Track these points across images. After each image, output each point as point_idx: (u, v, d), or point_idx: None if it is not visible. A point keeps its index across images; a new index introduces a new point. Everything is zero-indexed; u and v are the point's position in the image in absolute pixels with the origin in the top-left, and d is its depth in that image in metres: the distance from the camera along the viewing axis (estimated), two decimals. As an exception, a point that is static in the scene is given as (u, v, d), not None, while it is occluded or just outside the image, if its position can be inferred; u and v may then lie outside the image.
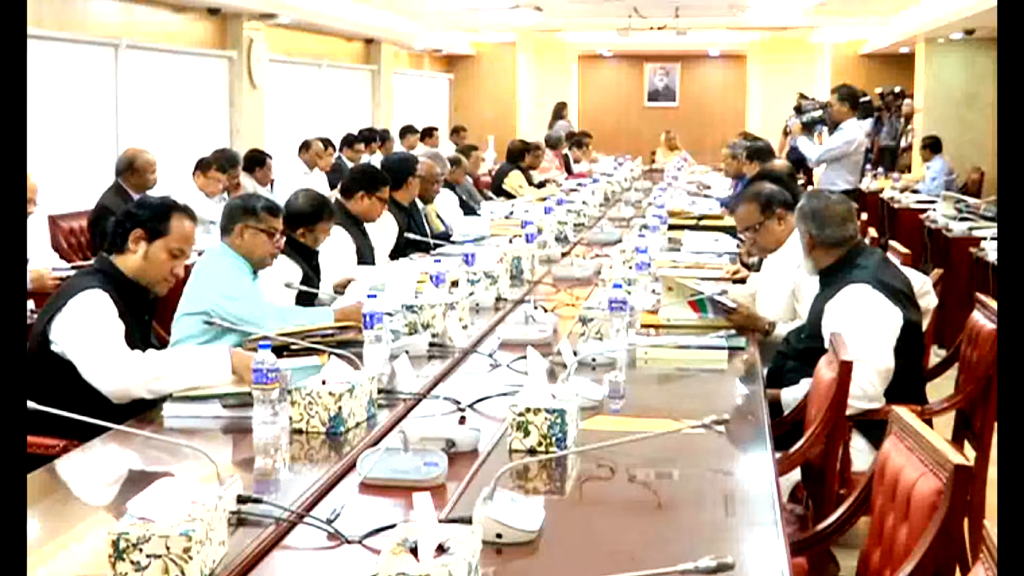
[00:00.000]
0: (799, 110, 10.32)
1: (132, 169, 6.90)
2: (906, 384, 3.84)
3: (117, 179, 6.95)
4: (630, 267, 4.76)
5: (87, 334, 3.30)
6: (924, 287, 4.50)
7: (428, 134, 13.79)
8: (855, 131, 9.09)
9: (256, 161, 9.38)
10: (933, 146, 12.25)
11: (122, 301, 3.39)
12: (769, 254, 4.76)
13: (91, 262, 3.96)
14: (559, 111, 17.16)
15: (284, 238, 4.34)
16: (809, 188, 10.16)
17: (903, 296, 3.90)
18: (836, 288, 3.90)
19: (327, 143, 10.95)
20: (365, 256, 5.58)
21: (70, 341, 3.31)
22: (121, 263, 3.47)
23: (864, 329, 3.73)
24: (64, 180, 8.19)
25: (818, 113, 10.17)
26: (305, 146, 10.66)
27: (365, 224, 5.76)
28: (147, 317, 3.56)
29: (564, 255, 6.14)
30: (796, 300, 4.46)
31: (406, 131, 13.59)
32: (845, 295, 3.85)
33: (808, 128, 10.10)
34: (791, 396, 3.84)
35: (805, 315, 4.20)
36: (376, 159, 11.47)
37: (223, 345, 3.49)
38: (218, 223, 4.35)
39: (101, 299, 3.35)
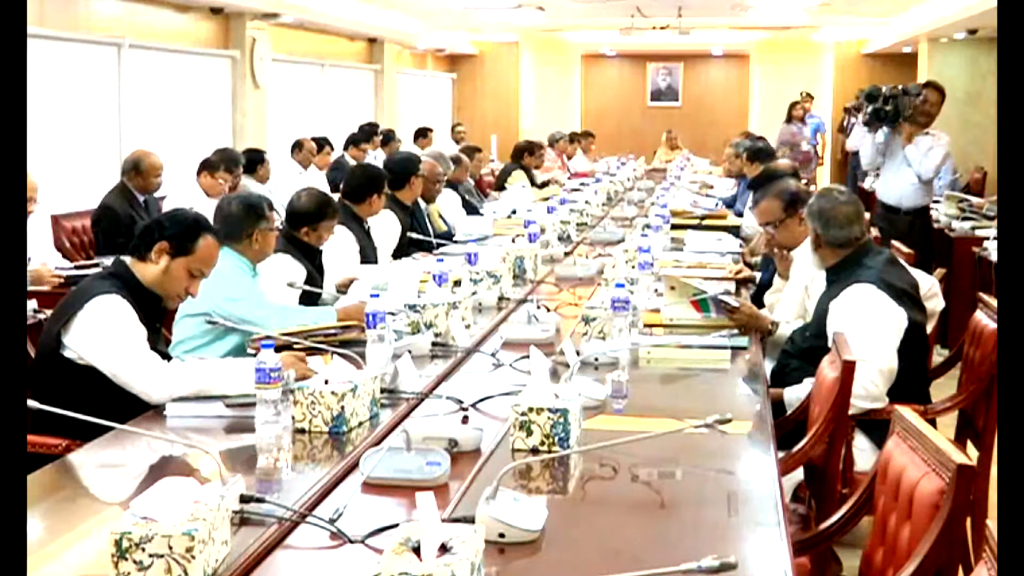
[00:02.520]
0: (874, 97, 7.89)
1: (138, 171, 6.89)
2: (910, 384, 3.84)
3: (122, 179, 6.94)
4: (633, 267, 4.75)
5: (115, 342, 3.26)
6: (932, 289, 4.49)
7: (422, 134, 13.53)
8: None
9: (256, 160, 9.35)
10: None
11: (136, 307, 3.37)
12: (787, 251, 4.77)
13: (99, 263, 3.94)
14: (792, 109, 15.05)
15: None
16: (812, 188, 10.15)
17: (907, 296, 3.90)
18: (840, 287, 3.91)
19: (321, 143, 10.92)
20: (368, 256, 5.59)
21: (93, 348, 3.28)
22: (140, 270, 3.44)
23: (868, 329, 3.73)
24: (67, 179, 8.21)
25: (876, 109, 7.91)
26: (297, 146, 10.63)
27: (368, 224, 5.77)
28: (158, 325, 3.54)
29: (567, 255, 6.14)
30: (808, 297, 4.46)
31: (418, 134, 13.54)
32: (849, 295, 3.86)
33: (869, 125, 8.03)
34: (794, 395, 3.84)
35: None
36: (375, 156, 11.47)
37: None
38: None
39: (120, 304, 3.32)
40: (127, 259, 3.49)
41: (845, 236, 4.02)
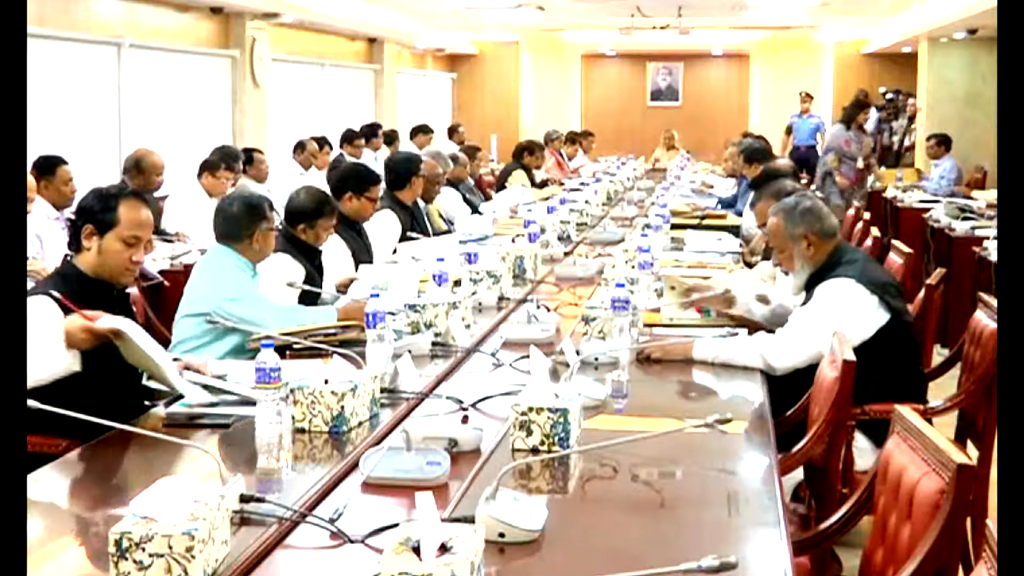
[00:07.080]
0: None
1: (139, 169, 6.89)
2: (906, 383, 3.83)
3: (123, 178, 6.93)
4: (633, 266, 4.75)
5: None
6: None
7: (421, 131, 13.17)
8: None
9: (247, 160, 9.29)
10: (944, 143, 11.83)
11: (82, 303, 3.30)
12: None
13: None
14: (854, 111, 11.29)
15: None
16: (813, 187, 10.13)
17: (890, 290, 3.88)
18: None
19: (322, 142, 10.90)
20: (361, 259, 5.54)
21: None
22: (81, 264, 3.40)
23: (838, 321, 3.67)
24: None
25: None
26: (300, 147, 10.61)
27: (363, 225, 5.72)
28: (116, 313, 3.49)
29: (567, 254, 6.14)
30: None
31: (417, 131, 13.41)
32: (829, 286, 3.82)
33: None
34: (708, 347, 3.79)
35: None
36: (376, 157, 11.46)
37: None
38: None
39: (37, 307, 3.24)
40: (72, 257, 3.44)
41: (835, 223, 4.06)
